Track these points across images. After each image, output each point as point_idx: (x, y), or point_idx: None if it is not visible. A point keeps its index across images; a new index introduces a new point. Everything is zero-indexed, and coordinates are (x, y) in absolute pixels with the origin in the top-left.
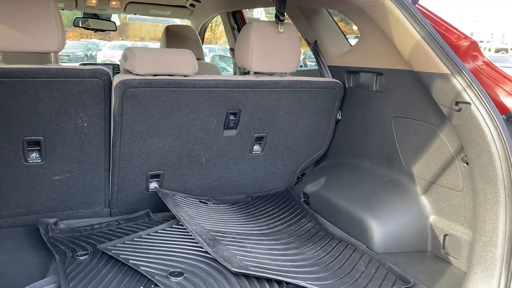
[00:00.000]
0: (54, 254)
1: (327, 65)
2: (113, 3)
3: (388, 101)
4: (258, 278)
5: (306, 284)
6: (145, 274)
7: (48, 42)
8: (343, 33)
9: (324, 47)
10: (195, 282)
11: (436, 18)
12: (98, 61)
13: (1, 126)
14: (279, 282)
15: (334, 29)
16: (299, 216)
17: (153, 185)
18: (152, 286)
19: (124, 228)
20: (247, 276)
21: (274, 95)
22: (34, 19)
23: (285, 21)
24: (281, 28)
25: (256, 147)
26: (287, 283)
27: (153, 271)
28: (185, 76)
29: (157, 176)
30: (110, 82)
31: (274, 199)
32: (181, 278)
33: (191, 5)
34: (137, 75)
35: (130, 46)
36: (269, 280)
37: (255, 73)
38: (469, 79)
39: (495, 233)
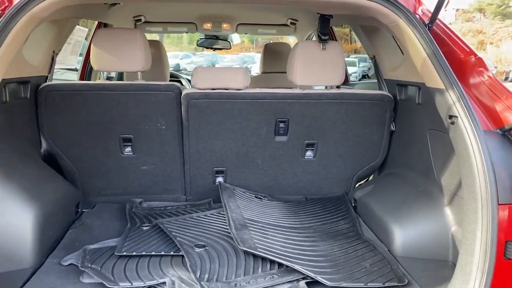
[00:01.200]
0: (129, 223)
1: (384, 78)
2: (225, 25)
3: (424, 113)
4: (264, 259)
5: (299, 268)
6: (177, 243)
7: (134, 64)
8: (400, 49)
9: (381, 62)
10: (211, 253)
11: (453, 35)
12: None
13: (104, 127)
14: (280, 265)
15: (390, 45)
16: (339, 218)
17: (218, 179)
18: (180, 252)
19: (187, 211)
20: (255, 256)
21: (320, 106)
22: (126, 47)
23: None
24: (323, 46)
25: (309, 153)
26: (287, 266)
27: (185, 241)
28: (238, 89)
29: (222, 172)
30: (180, 94)
31: (326, 202)
32: (202, 249)
33: (292, 23)
34: (199, 89)
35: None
36: (272, 262)
37: (301, 86)
38: (459, 93)
39: (473, 241)
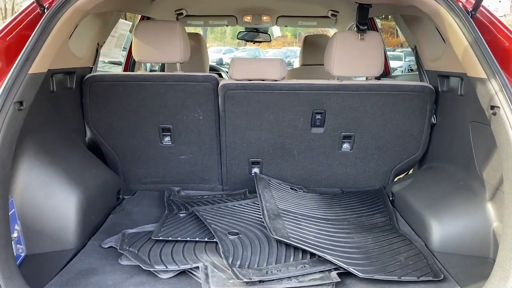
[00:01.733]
0: (166, 209)
1: (425, 70)
2: (264, 18)
3: (467, 105)
4: (296, 249)
5: (331, 258)
6: (211, 230)
7: (173, 55)
8: (443, 38)
9: (422, 52)
10: (244, 241)
11: (498, 23)
12: None
13: (144, 116)
14: (312, 255)
15: (432, 34)
16: (375, 212)
17: (255, 170)
18: (214, 239)
19: (223, 200)
20: (287, 245)
21: (358, 98)
22: (166, 39)
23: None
24: (362, 37)
25: (345, 145)
26: (319, 256)
27: (219, 229)
28: (274, 80)
29: (258, 163)
30: (218, 85)
31: (363, 195)
32: (235, 237)
33: (332, 14)
34: (235, 79)
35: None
36: (304, 252)
37: (338, 77)
38: (501, 83)
39: None
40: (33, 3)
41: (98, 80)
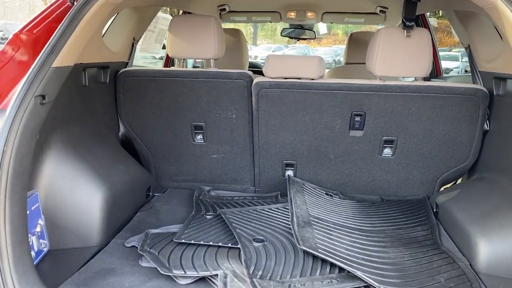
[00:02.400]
0: (194, 210)
1: (479, 71)
2: (309, 14)
3: None
4: (324, 261)
5: (361, 275)
6: (235, 235)
7: (207, 51)
8: (500, 36)
9: (476, 52)
10: (269, 249)
11: None
12: None
13: (177, 113)
14: (341, 269)
15: (488, 32)
16: (416, 224)
17: (288, 173)
18: (238, 245)
19: (253, 202)
20: (315, 257)
21: (401, 100)
22: (199, 34)
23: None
24: (408, 34)
25: (386, 150)
26: (348, 271)
27: (244, 234)
28: (311, 79)
29: (292, 165)
30: (252, 83)
31: (404, 204)
32: (260, 244)
33: (381, 11)
34: (270, 77)
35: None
36: (333, 265)
37: (381, 77)
38: None
39: None
40: None
41: (131, 75)
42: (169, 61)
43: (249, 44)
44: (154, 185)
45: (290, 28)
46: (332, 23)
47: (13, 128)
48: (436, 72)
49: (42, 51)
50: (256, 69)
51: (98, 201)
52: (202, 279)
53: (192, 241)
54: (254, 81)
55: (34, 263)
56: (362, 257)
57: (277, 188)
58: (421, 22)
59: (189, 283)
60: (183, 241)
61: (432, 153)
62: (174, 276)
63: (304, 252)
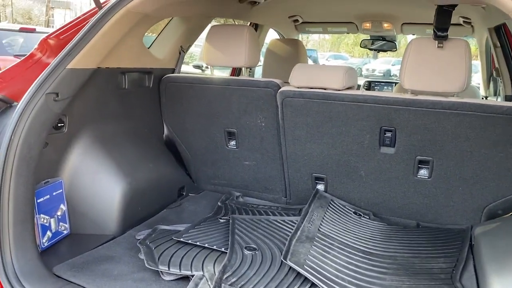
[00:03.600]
0: (212, 212)
1: None
2: (385, 25)
3: None
4: (306, 279)
5: None
6: (230, 240)
7: (239, 60)
8: None
9: None
10: (256, 258)
11: None
12: None
13: (211, 119)
14: None
15: None
16: (440, 255)
17: (319, 186)
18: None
19: (274, 212)
20: (299, 273)
21: (434, 117)
22: (232, 43)
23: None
24: (440, 44)
25: (422, 172)
26: None
27: (240, 241)
28: (336, 90)
29: (322, 179)
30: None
31: (440, 233)
32: (251, 252)
33: (465, 22)
34: (294, 86)
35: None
36: (314, 284)
37: (412, 91)
38: None
39: None
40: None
41: (172, 81)
42: (235, 70)
43: (370, 57)
44: (189, 186)
45: (371, 39)
46: (413, 34)
47: (21, 120)
48: None
49: (60, 52)
50: None
51: (117, 194)
52: (186, 278)
53: (189, 241)
54: (279, 90)
55: (50, 242)
56: (349, 280)
57: (307, 200)
58: (504, 33)
59: (172, 280)
60: (182, 240)
61: (475, 179)
62: (160, 271)
63: (290, 267)
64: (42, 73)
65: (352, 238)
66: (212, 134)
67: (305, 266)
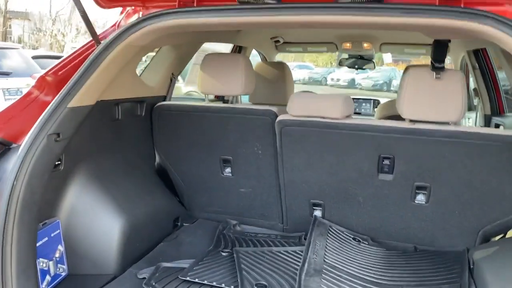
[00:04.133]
0: (212, 245)
1: None
2: (365, 45)
3: None
4: None
5: None
6: (238, 278)
7: (236, 88)
8: None
9: None
10: None
11: None
12: None
13: (206, 146)
14: None
15: None
16: (443, 281)
17: (316, 213)
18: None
19: (274, 242)
20: None
21: (433, 145)
22: (228, 71)
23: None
24: (438, 75)
25: (420, 197)
26: None
27: (249, 277)
28: (335, 119)
29: (319, 205)
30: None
31: (438, 256)
32: None
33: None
34: (293, 115)
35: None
36: None
37: (411, 120)
38: None
39: None
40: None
41: (166, 109)
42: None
43: (334, 66)
44: (183, 215)
45: (348, 58)
46: (392, 53)
47: (24, 164)
48: (498, 109)
49: (60, 92)
50: None
51: (116, 232)
52: None
53: (196, 280)
54: (277, 119)
55: (50, 286)
56: None
57: (305, 227)
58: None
59: None
60: (187, 279)
61: (471, 203)
62: None
63: None
64: (43, 113)
65: (357, 267)
66: (206, 162)
67: None
